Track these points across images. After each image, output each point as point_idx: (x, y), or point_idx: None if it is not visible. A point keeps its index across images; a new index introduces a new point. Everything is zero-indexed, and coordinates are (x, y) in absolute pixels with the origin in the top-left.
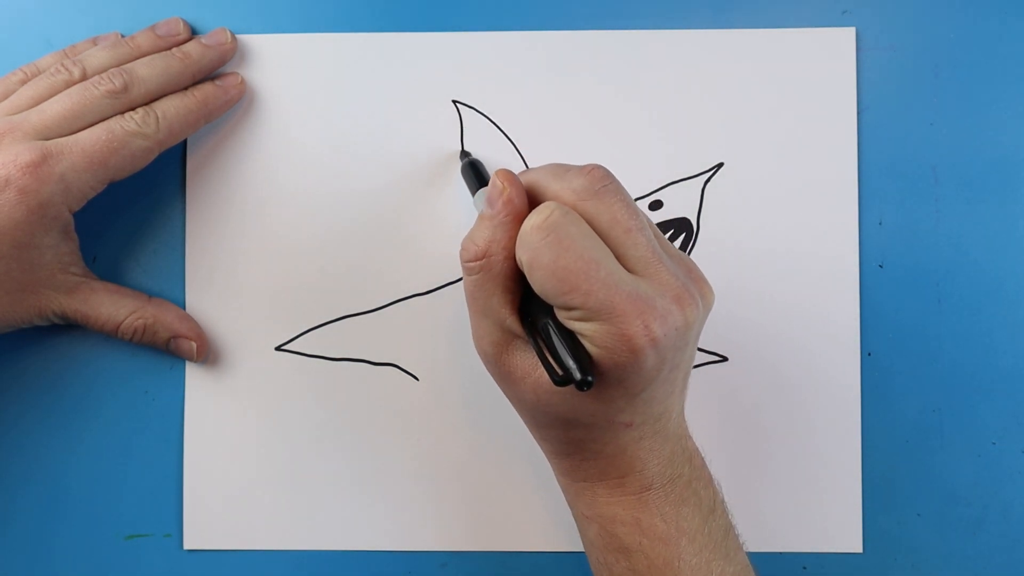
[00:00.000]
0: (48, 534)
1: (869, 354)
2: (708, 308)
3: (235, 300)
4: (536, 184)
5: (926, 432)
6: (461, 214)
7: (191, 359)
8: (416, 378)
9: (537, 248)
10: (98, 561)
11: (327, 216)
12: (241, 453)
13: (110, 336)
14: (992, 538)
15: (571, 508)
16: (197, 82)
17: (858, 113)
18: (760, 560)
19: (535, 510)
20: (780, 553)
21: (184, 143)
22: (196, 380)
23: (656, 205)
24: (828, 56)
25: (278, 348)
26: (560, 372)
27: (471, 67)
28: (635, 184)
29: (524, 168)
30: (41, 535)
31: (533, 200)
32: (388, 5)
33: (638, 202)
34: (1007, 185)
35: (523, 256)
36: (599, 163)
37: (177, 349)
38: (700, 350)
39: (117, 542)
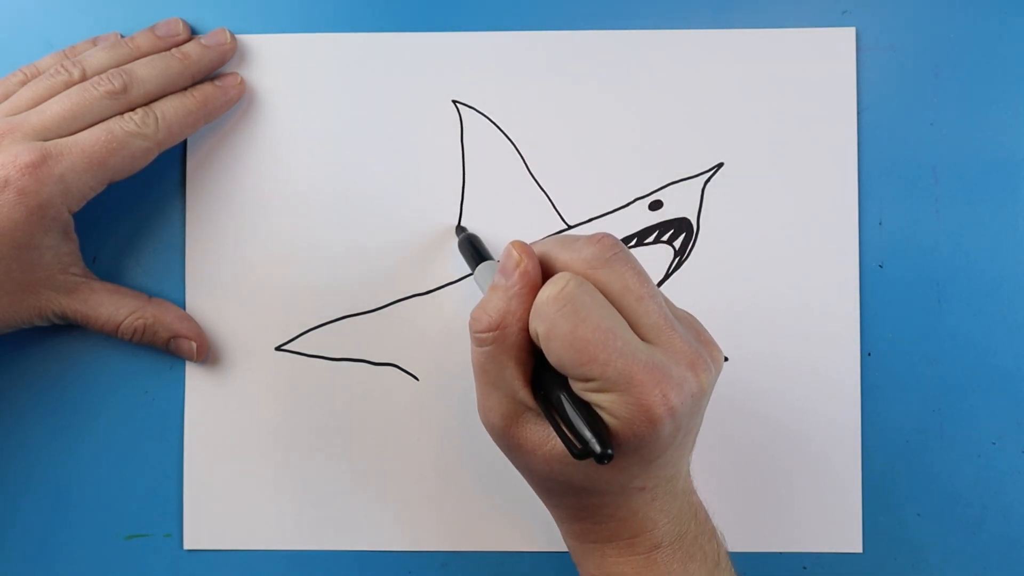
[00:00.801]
0: (48, 534)
1: (869, 354)
2: (719, 371)
3: (235, 300)
4: (545, 255)
5: (926, 432)
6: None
7: (191, 359)
8: (416, 378)
9: (554, 319)
10: (98, 561)
11: (327, 216)
12: (241, 453)
13: (110, 336)
14: (992, 538)
15: (578, 566)
16: (197, 82)
17: (858, 113)
18: (760, 560)
19: (535, 510)
20: (780, 553)
21: (184, 143)
22: (196, 380)
23: (656, 205)
24: (828, 56)
25: (278, 348)
26: (579, 446)
27: (471, 67)
28: (635, 184)
29: (525, 170)
30: (41, 535)
31: (543, 271)
32: (388, 5)
33: (638, 202)
34: (1007, 185)
35: (539, 327)
36: (607, 232)
37: (177, 349)
38: None
39: (117, 542)
